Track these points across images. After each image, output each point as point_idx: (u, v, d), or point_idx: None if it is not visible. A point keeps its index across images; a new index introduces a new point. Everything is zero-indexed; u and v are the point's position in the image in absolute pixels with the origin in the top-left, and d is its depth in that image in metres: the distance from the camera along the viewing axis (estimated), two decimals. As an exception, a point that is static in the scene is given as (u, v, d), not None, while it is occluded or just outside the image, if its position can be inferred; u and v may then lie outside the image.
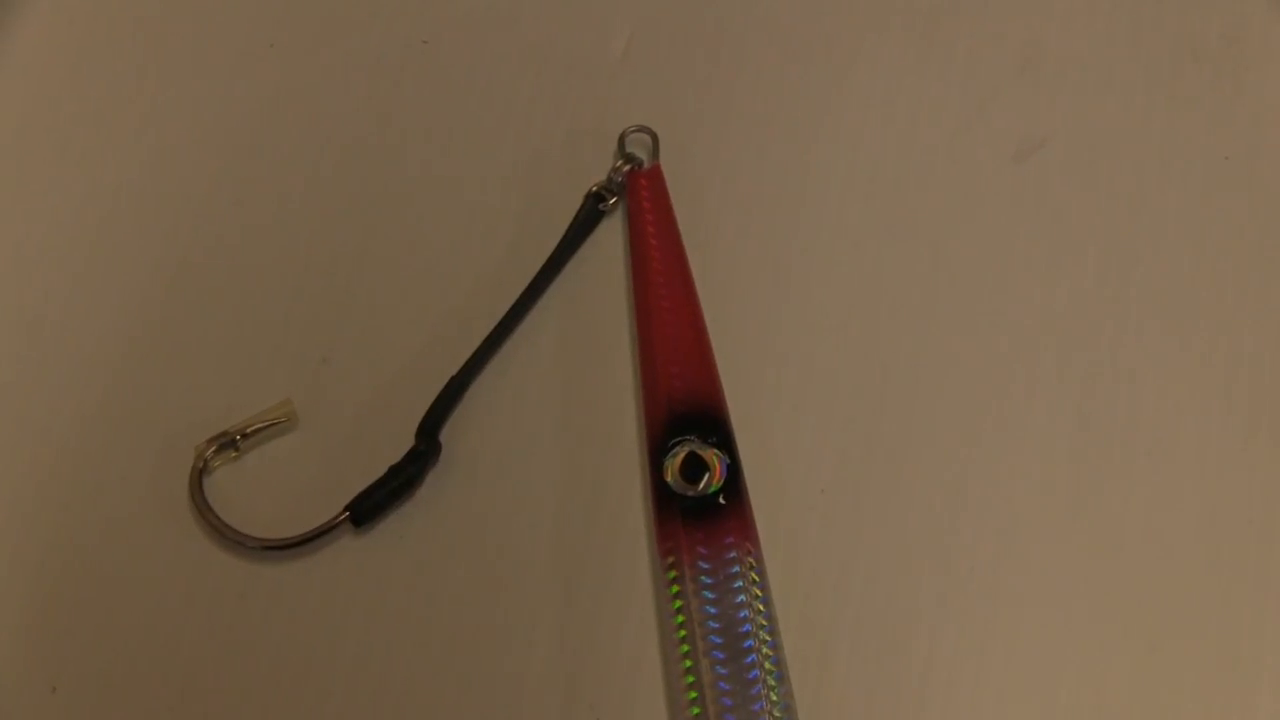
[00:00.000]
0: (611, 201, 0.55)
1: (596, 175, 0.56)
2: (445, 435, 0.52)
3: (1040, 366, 0.54)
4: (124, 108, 0.57)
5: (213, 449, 0.51)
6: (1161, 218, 0.56)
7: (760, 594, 0.48)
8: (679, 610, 0.48)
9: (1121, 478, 0.52)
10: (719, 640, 0.47)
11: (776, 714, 0.47)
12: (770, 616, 0.48)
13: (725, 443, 0.51)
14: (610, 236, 0.55)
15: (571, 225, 0.55)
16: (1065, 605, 0.50)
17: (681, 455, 0.50)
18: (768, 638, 0.48)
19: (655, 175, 0.55)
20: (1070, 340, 0.54)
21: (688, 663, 0.47)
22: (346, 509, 0.50)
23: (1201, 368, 0.54)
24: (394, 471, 0.51)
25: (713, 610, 0.48)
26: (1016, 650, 0.50)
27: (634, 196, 0.55)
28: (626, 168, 0.56)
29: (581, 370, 0.53)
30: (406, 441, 0.51)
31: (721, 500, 0.50)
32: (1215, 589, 0.51)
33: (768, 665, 0.47)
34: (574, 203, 0.55)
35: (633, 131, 0.56)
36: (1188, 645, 0.50)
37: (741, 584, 0.48)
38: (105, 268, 0.55)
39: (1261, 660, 0.50)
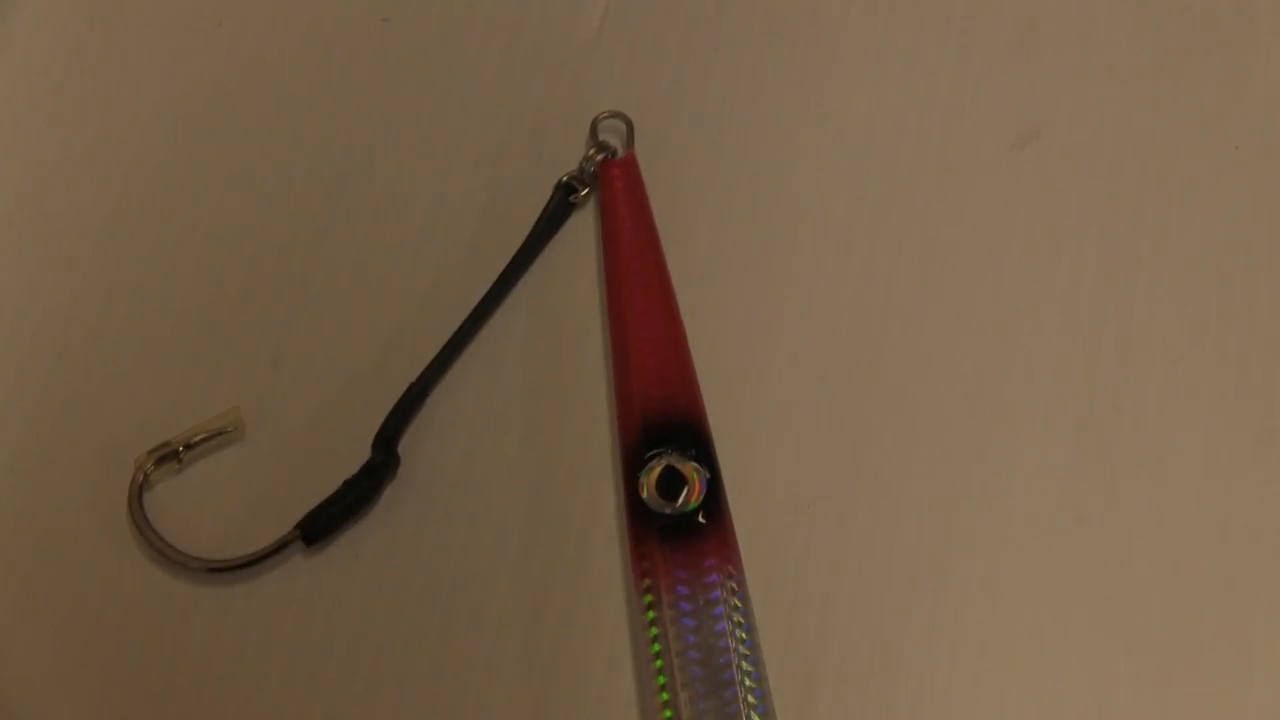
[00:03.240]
0: (583, 193, 0.54)
1: (567, 165, 0.54)
2: (403, 447, 0.50)
3: (1039, 368, 0.52)
4: (60, 91, 0.55)
5: (153, 461, 0.49)
6: (1167, 210, 0.54)
7: (742, 621, 0.47)
8: (655, 639, 0.47)
9: (1126, 488, 0.51)
10: (699, 671, 0.46)
11: (760, 751, 0.45)
12: (753, 645, 0.47)
13: (705, 455, 0.49)
14: (581, 230, 0.54)
15: (540, 219, 0.53)
16: (1067, 628, 0.49)
17: (658, 469, 0.48)
18: (750, 668, 0.46)
19: (630, 164, 0.54)
20: (1071, 340, 0.53)
21: (665, 695, 0.46)
22: (297, 526, 0.49)
23: (1211, 369, 0.52)
24: (349, 486, 0.49)
25: (692, 639, 0.46)
26: (1014, 678, 0.49)
27: (607, 187, 0.54)
28: (599, 156, 0.54)
29: (550, 377, 0.52)
30: (362, 453, 0.50)
31: (701, 518, 0.48)
32: (1227, 610, 0.49)
33: (750, 699, 0.46)
34: (542, 194, 0.54)
35: (606, 118, 0.55)
36: (1198, 670, 0.49)
37: (723, 610, 0.47)
38: (37, 263, 0.53)
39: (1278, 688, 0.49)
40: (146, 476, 0.49)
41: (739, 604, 0.47)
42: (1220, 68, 0.56)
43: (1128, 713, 0.48)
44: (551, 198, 0.53)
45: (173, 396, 0.51)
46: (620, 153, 0.54)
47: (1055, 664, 0.49)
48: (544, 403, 0.51)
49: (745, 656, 0.46)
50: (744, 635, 0.46)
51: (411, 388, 0.50)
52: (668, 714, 0.45)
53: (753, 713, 0.45)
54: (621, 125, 0.54)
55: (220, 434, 0.50)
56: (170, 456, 0.49)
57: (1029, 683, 0.48)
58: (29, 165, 0.54)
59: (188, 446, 0.49)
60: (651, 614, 0.47)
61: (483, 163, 0.54)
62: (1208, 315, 0.53)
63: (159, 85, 0.55)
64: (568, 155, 0.54)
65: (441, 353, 0.51)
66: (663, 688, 0.46)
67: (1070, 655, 0.49)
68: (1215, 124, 0.55)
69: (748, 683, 0.46)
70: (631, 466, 0.48)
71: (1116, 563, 0.50)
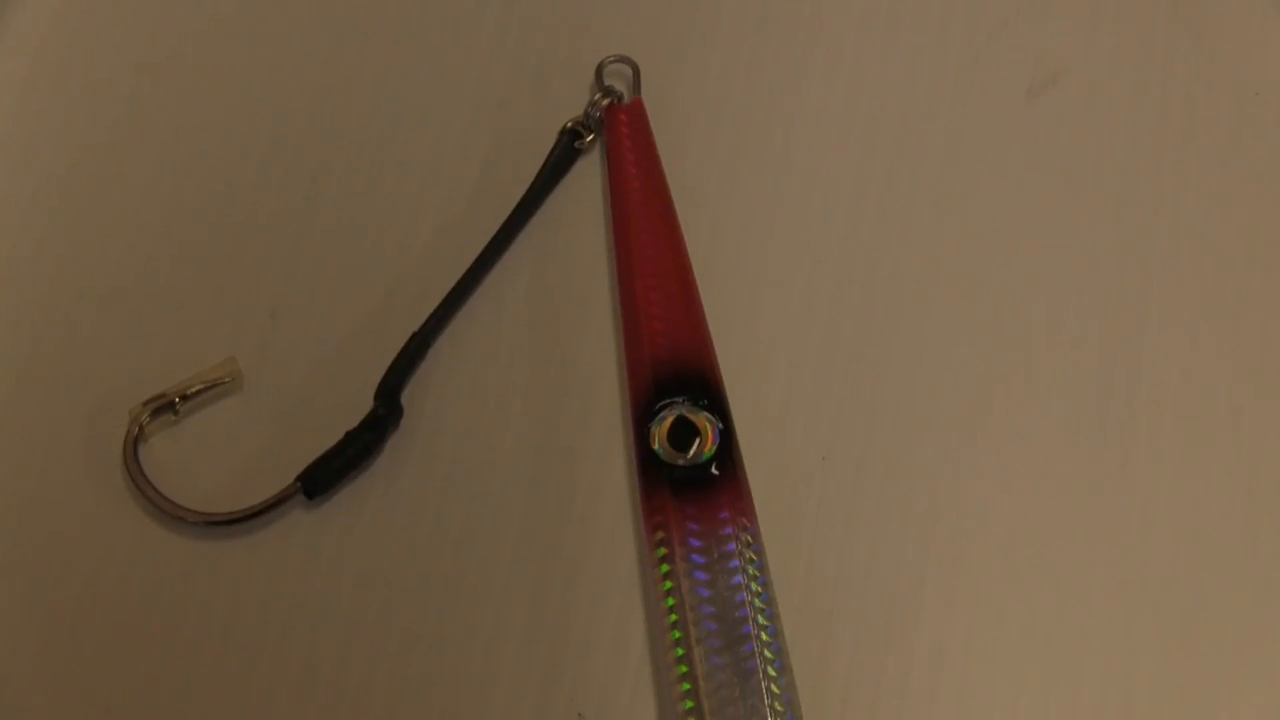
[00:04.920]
0: (588, 139, 0.53)
1: (572, 110, 0.53)
2: (407, 397, 0.50)
3: (1059, 322, 0.51)
4: (49, 28, 0.54)
5: (148, 413, 0.49)
6: (1187, 159, 0.54)
7: (758, 574, 0.46)
8: (669, 593, 0.46)
9: (1147, 449, 0.50)
10: (714, 626, 0.45)
11: (778, 707, 0.44)
12: (769, 599, 0.46)
13: (717, 405, 0.48)
14: (587, 177, 0.53)
15: (544, 165, 0.53)
16: (1088, 587, 0.48)
17: (669, 420, 0.48)
18: (766, 623, 0.45)
19: (636, 110, 0.53)
20: (1090, 295, 0.52)
21: (679, 651, 0.45)
22: (298, 479, 0.48)
23: (1234, 328, 0.52)
24: (350, 438, 0.49)
25: (706, 593, 0.45)
26: (1035, 636, 0.48)
27: (613, 133, 0.53)
28: (605, 101, 0.53)
29: (557, 326, 0.51)
30: (364, 404, 0.49)
31: (714, 469, 0.47)
32: (1252, 576, 0.49)
33: (767, 654, 0.45)
34: (547, 140, 0.53)
35: (611, 62, 0.54)
36: (1222, 636, 0.48)
37: (738, 563, 0.46)
38: (26, 211, 0.52)
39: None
40: (141, 429, 0.48)
41: (754, 557, 0.46)
42: (1239, 11, 0.55)
43: (1152, 670, 0.47)
44: (556, 143, 0.53)
45: (167, 348, 0.50)
46: (627, 98, 0.53)
47: (1078, 625, 0.48)
48: (551, 352, 0.50)
49: (761, 610, 0.45)
50: (759, 589, 0.45)
51: (414, 337, 0.50)
52: (682, 669, 0.45)
53: (769, 668, 0.44)
54: (628, 70, 0.54)
55: (217, 385, 0.49)
56: (166, 408, 0.48)
57: (1050, 640, 0.48)
58: (16, 111, 0.53)
59: (184, 398, 0.49)
60: (665, 568, 0.46)
61: (486, 108, 0.53)
62: (1231, 266, 0.52)
63: (152, 24, 0.54)
64: (573, 101, 0.53)
65: (445, 301, 0.50)
66: (677, 643, 0.45)
67: (1093, 616, 0.48)
68: (1236, 69, 0.55)
69: (764, 637, 0.45)
70: (642, 417, 0.48)
71: (1140, 523, 0.49)
